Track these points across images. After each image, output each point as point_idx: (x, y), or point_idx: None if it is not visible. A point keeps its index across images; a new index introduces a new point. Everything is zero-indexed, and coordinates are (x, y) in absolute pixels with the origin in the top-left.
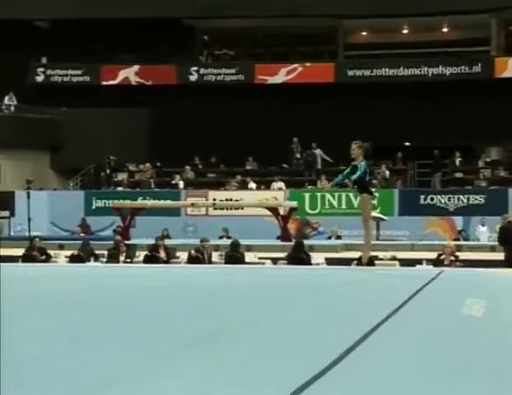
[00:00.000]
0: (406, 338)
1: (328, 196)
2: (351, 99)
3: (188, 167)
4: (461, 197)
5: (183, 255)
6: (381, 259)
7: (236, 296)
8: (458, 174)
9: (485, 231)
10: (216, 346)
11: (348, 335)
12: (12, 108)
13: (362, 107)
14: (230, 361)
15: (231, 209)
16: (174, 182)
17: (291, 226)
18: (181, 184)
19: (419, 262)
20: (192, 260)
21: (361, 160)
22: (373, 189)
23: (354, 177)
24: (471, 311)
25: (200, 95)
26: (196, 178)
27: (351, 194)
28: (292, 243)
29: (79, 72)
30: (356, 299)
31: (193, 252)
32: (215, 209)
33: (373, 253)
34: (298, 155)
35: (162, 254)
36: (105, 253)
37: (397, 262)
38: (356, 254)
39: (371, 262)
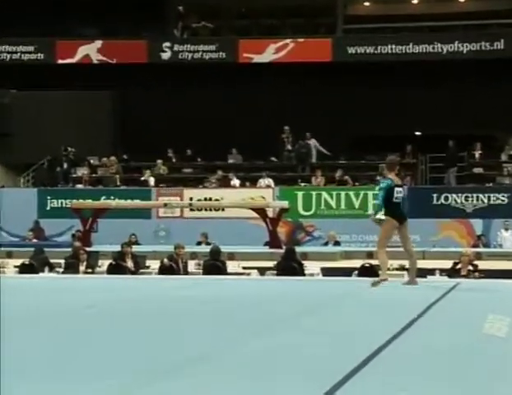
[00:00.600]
0: (413, 362)
1: (324, 195)
2: (351, 81)
3: (159, 161)
4: (480, 196)
5: (155, 264)
6: (387, 269)
7: (215, 315)
8: (478, 170)
9: (509, 236)
10: (189, 373)
11: (348, 361)
12: None
13: (365, 90)
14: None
15: (211, 210)
16: (143, 178)
17: (281, 230)
18: (152, 181)
19: (431, 272)
20: (164, 270)
21: (384, 178)
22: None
23: (376, 201)
24: (493, 330)
25: (174, 77)
26: (169, 174)
27: (351, 193)
28: (282, 251)
29: (31, 49)
30: (356, 317)
31: (165, 260)
32: (191, 210)
33: (378, 262)
34: (289, 147)
35: (129, 263)
36: (62, 262)
37: (405, 273)
38: (357, 263)
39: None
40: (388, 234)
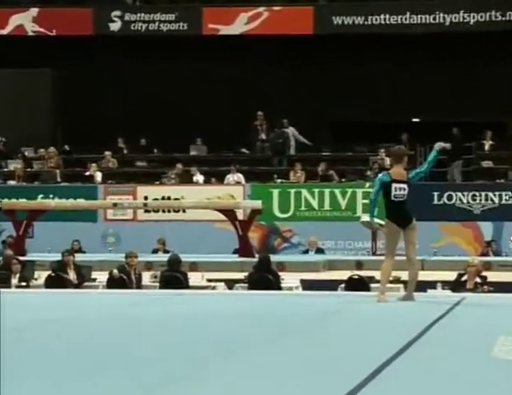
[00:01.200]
0: (410, 391)
1: (304, 193)
2: (337, 57)
3: (108, 153)
4: (490, 194)
5: (102, 276)
6: (379, 282)
7: (173, 338)
8: (487, 163)
9: None
10: None
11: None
12: None
13: (353, 69)
14: None
15: (169, 211)
16: (88, 173)
17: (254, 236)
18: (99, 176)
19: (432, 285)
20: (114, 283)
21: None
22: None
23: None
24: (503, 353)
25: (126, 52)
26: (119, 168)
27: (337, 190)
28: (255, 260)
29: None
30: (342, 340)
31: (115, 272)
32: (146, 211)
33: (369, 273)
34: (263, 136)
35: (71, 275)
36: None
37: (401, 286)
38: (344, 274)
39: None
40: (391, 241)
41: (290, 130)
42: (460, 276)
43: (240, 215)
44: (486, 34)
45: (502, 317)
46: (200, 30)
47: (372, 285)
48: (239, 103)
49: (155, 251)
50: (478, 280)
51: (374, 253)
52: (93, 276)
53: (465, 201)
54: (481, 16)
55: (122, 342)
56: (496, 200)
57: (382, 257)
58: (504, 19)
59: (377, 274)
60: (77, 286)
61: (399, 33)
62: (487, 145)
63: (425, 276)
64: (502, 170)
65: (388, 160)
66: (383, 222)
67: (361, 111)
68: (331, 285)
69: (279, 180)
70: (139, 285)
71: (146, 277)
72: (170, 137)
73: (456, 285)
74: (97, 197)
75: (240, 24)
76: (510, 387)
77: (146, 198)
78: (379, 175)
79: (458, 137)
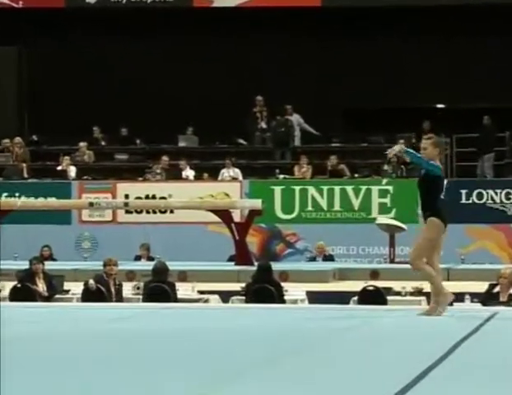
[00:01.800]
0: None
1: (311, 190)
2: (348, 34)
3: (83, 144)
4: None
5: (76, 288)
6: (398, 293)
7: (158, 359)
8: None
9: None
10: None
11: None
12: None
13: (366, 47)
14: None
15: (154, 212)
16: (60, 167)
17: (253, 240)
18: (72, 171)
19: (459, 297)
20: (90, 296)
21: (437, 166)
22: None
23: (425, 164)
24: None
25: (103, 27)
26: (97, 162)
27: (348, 187)
28: (254, 268)
29: None
30: (356, 362)
31: (91, 282)
32: (127, 212)
33: (386, 284)
34: (263, 125)
35: (41, 286)
36: None
37: (423, 298)
38: (357, 285)
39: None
40: (432, 243)
41: (295, 118)
42: (492, 287)
43: (237, 216)
44: None
45: None
46: (191, 2)
47: (389, 298)
48: (235, 86)
49: (137, 258)
50: None
51: (391, 261)
52: (66, 288)
53: (497, 200)
54: None
55: (97, 363)
56: None
57: (400, 266)
58: None
59: (397, 286)
60: (48, 299)
61: (424, 4)
62: None
63: (451, 287)
64: None
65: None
66: (403, 225)
67: (377, 96)
68: (342, 298)
69: (282, 176)
70: (119, 298)
71: (128, 288)
72: (155, 125)
73: (487, 298)
74: (71, 196)
75: None
76: None
77: (127, 197)
78: (435, 167)
79: (490, 126)
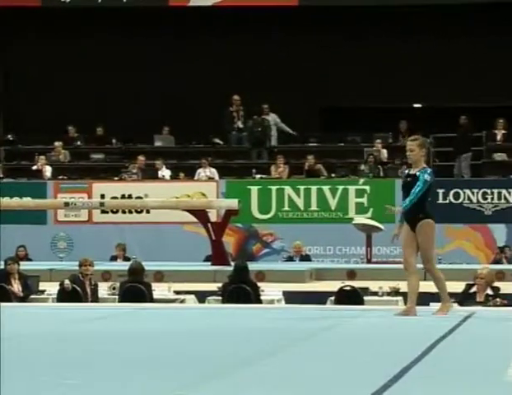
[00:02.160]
0: None
1: (288, 190)
2: (325, 31)
3: (58, 143)
4: (504, 192)
5: (52, 288)
6: (375, 294)
7: (133, 361)
8: (500, 156)
9: None
10: None
11: None
12: None
13: (343, 45)
14: None
15: (131, 212)
16: (35, 167)
17: (229, 240)
18: (48, 171)
19: (435, 297)
20: (65, 296)
21: (423, 168)
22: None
23: (411, 197)
24: None
25: (78, 25)
26: (72, 162)
27: (325, 187)
28: (230, 268)
29: None
30: (333, 363)
31: (67, 282)
32: (103, 212)
33: (363, 284)
34: (240, 125)
35: (16, 287)
36: None
37: (400, 299)
38: (334, 285)
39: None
40: (433, 242)
41: (272, 117)
42: (469, 287)
43: (213, 216)
44: (497, 6)
45: None
46: (166, 1)
47: (366, 298)
48: (211, 86)
49: (113, 258)
50: (490, 291)
51: (368, 261)
52: (41, 288)
53: (474, 199)
54: None
55: (73, 364)
56: (511, 199)
57: (378, 266)
58: None
59: (374, 286)
60: (23, 299)
61: (400, 4)
62: (500, 134)
63: (427, 287)
64: None
65: (385, 153)
66: (380, 225)
67: (354, 95)
68: (319, 298)
69: (258, 176)
70: (95, 298)
71: (104, 289)
72: (131, 125)
73: (464, 298)
74: (46, 196)
75: None
76: None
77: (103, 197)
78: (430, 172)
79: (467, 125)
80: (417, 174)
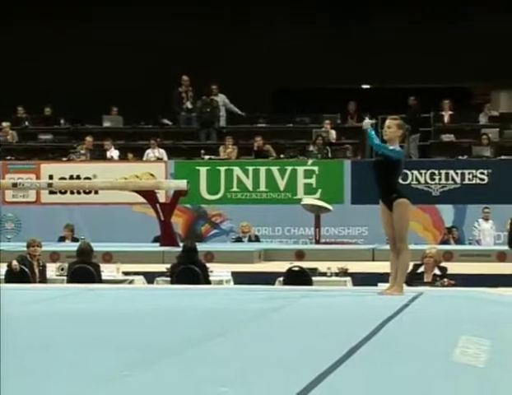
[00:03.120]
0: None
1: (237, 171)
2: (273, 12)
3: (6, 124)
4: (451, 173)
5: None
6: (323, 274)
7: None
8: (448, 137)
9: (489, 229)
10: None
11: None
12: None
13: (291, 28)
14: None
15: (79, 193)
16: None
17: (178, 221)
18: None
19: (383, 277)
20: (13, 277)
21: (398, 150)
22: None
23: (382, 146)
24: (466, 357)
25: (22, 5)
26: (20, 143)
27: (274, 168)
28: (179, 249)
29: None
30: (279, 343)
31: (14, 263)
32: (52, 193)
33: (311, 265)
34: (188, 105)
35: None
36: None
37: (348, 279)
38: (282, 266)
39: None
40: (408, 221)
41: (221, 98)
42: (416, 267)
43: (162, 197)
44: None
45: (464, 315)
46: None
47: (315, 278)
48: (160, 65)
49: (62, 239)
50: (437, 272)
51: (317, 242)
52: None
53: (422, 180)
54: None
55: (21, 345)
56: (458, 179)
57: (326, 246)
58: None
59: (322, 266)
60: None
61: None
62: (447, 116)
63: (375, 267)
64: (465, 145)
65: (334, 134)
66: (328, 206)
67: (302, 76)
68: (267, 279)
69: (207, 156)
70: (43, 279)
71: (52, 269)
72: (80, 105)
73: (411, 278)
74: None
75: None
76: None
77: (51, 177)
78: (401, 153)
79: (415, 106)
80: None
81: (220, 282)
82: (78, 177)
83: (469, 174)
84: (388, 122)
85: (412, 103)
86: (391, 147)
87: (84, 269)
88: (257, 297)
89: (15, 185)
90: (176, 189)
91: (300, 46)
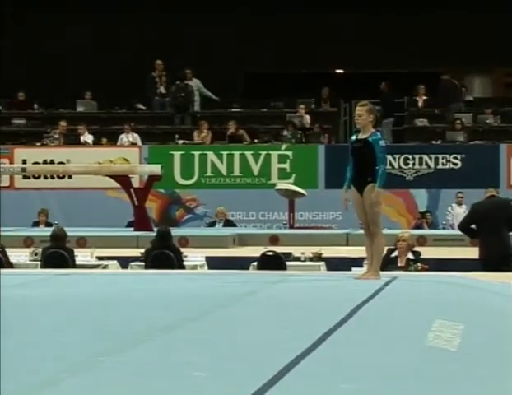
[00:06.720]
0: (327, 390)
1: (211, 156)
2: None
3: None
4: (425, 157)
5: None
6: (298, 259)
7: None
8: (421, 121)
9: (462, 213)
10: None
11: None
12: None
13: (265, 12)
14: None
15: (53, 178)
16: None
17: (152, 206)
18: None
19: (357, 262)
20: None
21: (373, 133)
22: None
23: (382, 166)
24: (440, 341)
25: None
26: None
27: (248, 153)
28: (153, 234)
29: None
30: (253, 328)
31: None
32: (25, 178)
33: (285, 249)
34: (162, 90)
35: None
36: None
37: (322, 263)
38: (256, 251)
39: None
40: (381, 205)
41: (195, 83)
42: (390, 251)
43: (136, 181)
44: None
45: (438, 299)
46: None
47: (289, 263)
48: (133, 50)
49: (36, 224)
50: (411, 256)
51: (291, 226)
52: None
53: (396, 165)
54: None
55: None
56: (432, 164)
57: (300, 231)
58: None
59: (296, 251)
60: None
61: None
62: (421, 100)
63: (350, 251)
64: (439, 130)
65: (308, 119)
66: (302, 190)
67: (277, 61)
68: (241, 263)
69: (181, 141)
70: (10, 264)
71: (25, 254)
72: (54, 90)
73: (385, 263)
74: None
75: None
76: (448, 381)
77: (24, 162)
78: (382, 141)
79: (388, 91)
80: (370, 139)
81: (194, 267)
82: (52, 162)
83: (443, 158)
84: (357, 109)
85: (384, 88)
86: (380, 149)
87: (58, 254)
88: (231, 282)
89: None
90: (150, 174)
91: (273, 31)
